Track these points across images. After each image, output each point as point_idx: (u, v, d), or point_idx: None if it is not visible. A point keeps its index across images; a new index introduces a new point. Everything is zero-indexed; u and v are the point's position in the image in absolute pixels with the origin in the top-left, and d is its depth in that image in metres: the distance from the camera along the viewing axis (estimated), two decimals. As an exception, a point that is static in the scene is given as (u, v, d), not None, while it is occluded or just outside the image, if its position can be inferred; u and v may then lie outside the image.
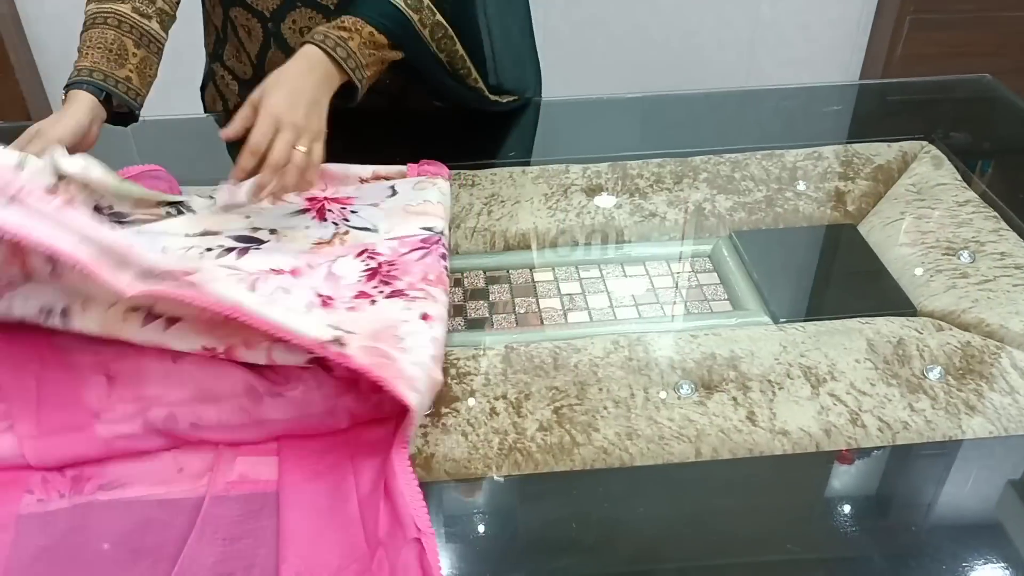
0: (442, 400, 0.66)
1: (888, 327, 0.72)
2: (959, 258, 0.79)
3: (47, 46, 2.06)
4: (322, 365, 0.62)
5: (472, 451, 0.62)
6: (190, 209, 0.79)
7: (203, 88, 1.11)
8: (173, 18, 0.90)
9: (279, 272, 0.69)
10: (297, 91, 0.77)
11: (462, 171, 0.93)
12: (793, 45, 2.24)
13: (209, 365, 0.62)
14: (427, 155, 0.91)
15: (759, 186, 0.90)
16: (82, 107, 0.80)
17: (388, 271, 0.71)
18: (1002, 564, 0.54)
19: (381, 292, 0.68)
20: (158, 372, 0.62)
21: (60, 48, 2.03)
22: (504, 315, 0.77)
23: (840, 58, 2.28)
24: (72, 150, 0.75)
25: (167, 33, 0.89)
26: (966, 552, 0.55)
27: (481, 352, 0.70)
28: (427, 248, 0.74)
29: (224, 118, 0.92)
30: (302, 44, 0.81)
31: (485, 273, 0.82)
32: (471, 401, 0.66)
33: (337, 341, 0.59)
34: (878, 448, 0.63)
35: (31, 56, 2.06)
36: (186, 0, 0.97)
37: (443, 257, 0.74)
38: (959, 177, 0.90)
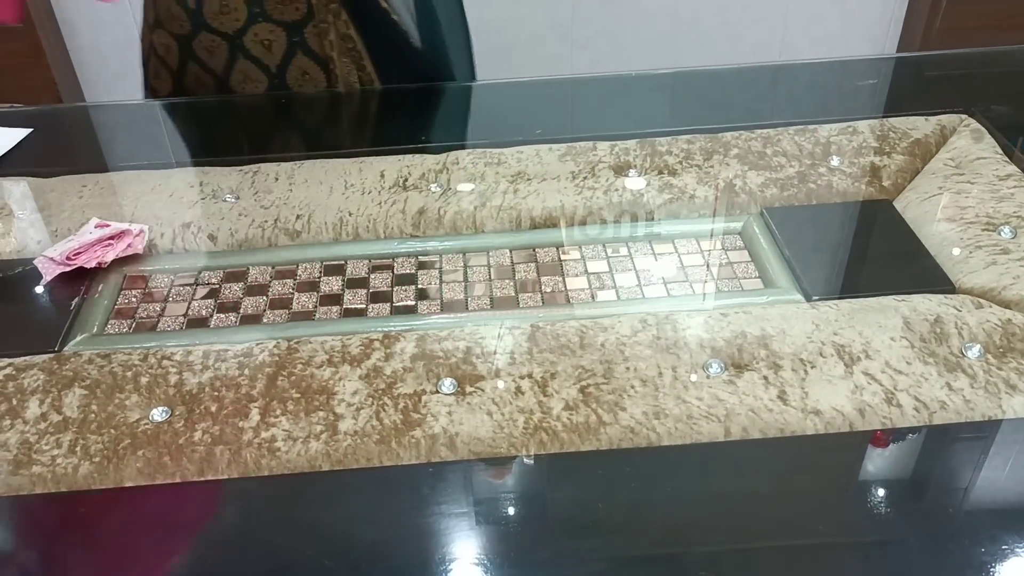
0: (467, 379, 0.65)
1: (925, 304, 0.70)
2: (999, 233, 0.77)
3: (78, 30, 2.07)
4: None
5: (497, 430, 0.61)
6: None
7: (145, 64, 1.11)
8: None
9: None
10: None
11: (488, 149, 0.92)
12: (828, 20, 2.19)
13: None
14: (448, 132, 0.90)
15: (791, 162, 0.88)
16: None
17: None
18: (1043, 547, 0.53)
19: None
20: None
21: (91, 32, 2.05)
22: (530, 294, 0.76)
23: (876, 33, 2.23)
24: None
25: None
26: (1006, 535, 0.54)
27: (507, 331, 0.70)
28: None
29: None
30: None
31: (511, 252, 0.81)
32: (496, 380, 0.65)
33: None
34: (914, 428, 0.61)
35: (62, 40, 2.08)
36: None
37: None
38: (1000, 151, 0.88)
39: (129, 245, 0.79)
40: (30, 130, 1.01)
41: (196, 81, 1.08)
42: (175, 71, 1.09)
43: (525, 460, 0.60)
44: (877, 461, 0.61)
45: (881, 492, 0.58)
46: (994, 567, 0.52)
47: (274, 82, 1.04)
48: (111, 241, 0.79)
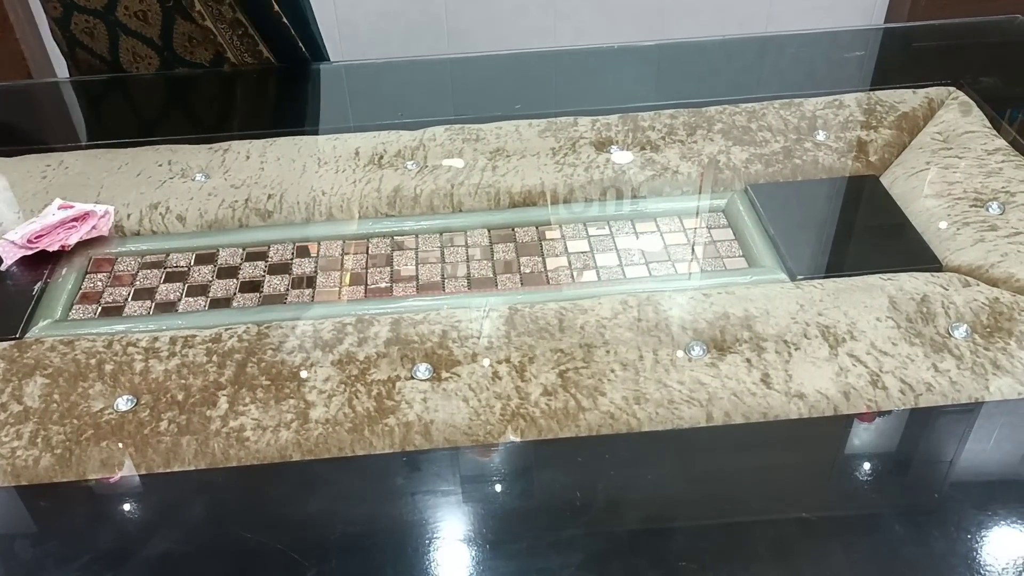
0: (443, 364, 0.63)
1: (911, 283, 0.69)
2: (988, 209, 0.75)
3: (49, 4, 2.02)
4: None
5: (474, 417, 0.60)
6: None
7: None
8: None
9: None
10: None
11: (466, 125, 0.90)
12: (815, -10, 2.16)
13: None
14: (424, 107, 0.87)
15: (776, 137, 0.86)
16: None
17: None
18: (1030, 533, 0.52)
19: None
20: None
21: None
22: (509, 275, 0.74)
23: (864, 4, 2.20)
24: None
25: None
26: (991, 519, 0.53)
27: (484, 314, 0.68)
28: None
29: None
30: None
31: (490, 232, 0.79)
32: (473, 365, 0.63)
33: None
34: (899, 411, 0.60)
35: (31, 15, 2.02)
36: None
37: None
38: (988, 124, 0.86)
39: (94, 227, 0.76)
40: (-7, 107, 0.98)
41: (90, 68, 1.05)
42: (71, 57, 1.06)
43: (502, 448, 0.59)
44: (861, 446, 0.59)
45: (865, 478, 0.56)
46: (978, 550, 0.51)
47: (164, 55, 1.01)
48: (75, 223, 0.76)
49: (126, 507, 0.57)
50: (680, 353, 0.64)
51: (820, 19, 2.18)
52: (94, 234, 0.76)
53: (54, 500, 0.57)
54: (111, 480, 0.57)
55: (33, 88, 1.21)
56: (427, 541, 0.53)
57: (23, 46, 1.93)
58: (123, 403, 0.61)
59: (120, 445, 0.59)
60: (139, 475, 0.58)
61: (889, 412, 0.60)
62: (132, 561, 0.52)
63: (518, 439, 0.59)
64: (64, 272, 0.74)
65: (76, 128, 0.98)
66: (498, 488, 0.57)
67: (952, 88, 0.92)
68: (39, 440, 0.59)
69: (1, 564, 0.54)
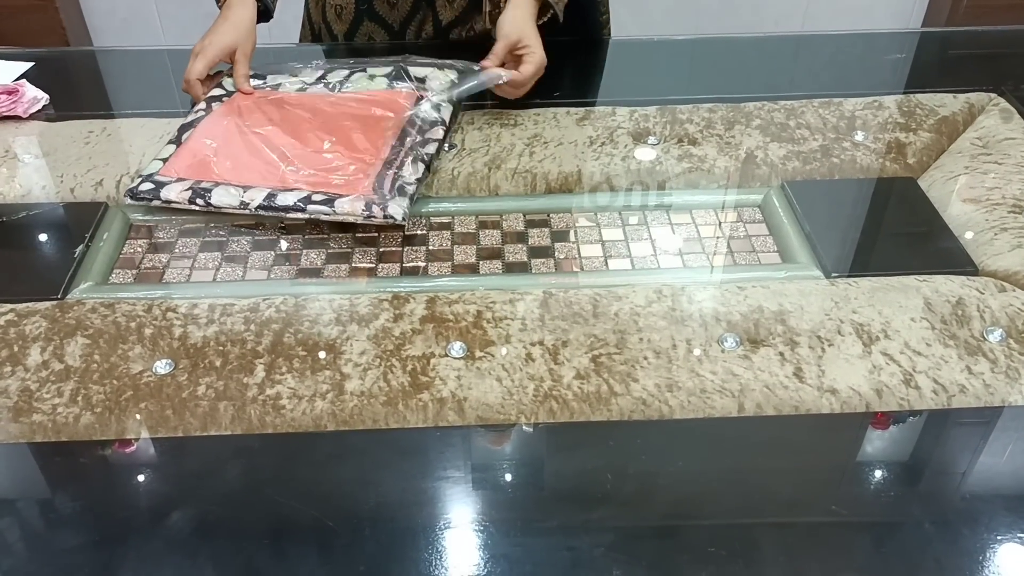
0: (477, 344, 0.64)
1: (947, 286, 0.68)
2: (1026, 216, 0.75)
3: (87, -25, 2.04)
4: None
5: (506, 396, 0.60)
6: None
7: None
8: None
9: None
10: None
11: (504, 110, 0.90)
12: (852, -8, 2.15)
13: None
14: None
15: (815, 135, 0.86)
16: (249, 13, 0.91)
17: None
18: (1060, 537, 0.52)
19: None
20: None
21: (100, -23, 2.01)
22: (543, 260, 0.74)
23: (901, 8, 2.19)
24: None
25: None
26: (1020, 522, 0.53)
27: (518, 297, 0.68)
28: None
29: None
30: None
31: (525, 216, 0.79)
32: (507, 346, 0.64)
33: None
34: (932, 411, 0.60)
35: (71, -16, 2.04)
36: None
37: None
38: (1029, 132, 0.85)
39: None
40: (31, 63, 0.99)
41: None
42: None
43: (534, 428, 0.59)
44: (892, 443, 0.59)
45: (895, 474, 0.56)
46: (1007, 552, 0.51)
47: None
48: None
49: (163, 468, 0.58)
50: (713, 344, 0.64)
51: (856, 21, 2.16)
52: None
53: (93, 457, 0.58)
54: (146, 444, 0.58)
55: (74, 55, 1.22)
56: (457, 514, 0.53)
57: (62, 15, 1.95)
58: (162, 366, 0.62)
59: (159, 407, 0.60)
60: (176, 438, 0.59)
61: (921, 418, 0.60)
62: (169, 520, 0.53)
63: (538, 424, 0.59)
64: (105, 236, 0.75)
65: (117, 97, 0.99)
66: (529, 467, 0.58)
67: (993, 95, 0.92)
68: (79, 398, 0.60)
69: (40, 515, 0.55)
